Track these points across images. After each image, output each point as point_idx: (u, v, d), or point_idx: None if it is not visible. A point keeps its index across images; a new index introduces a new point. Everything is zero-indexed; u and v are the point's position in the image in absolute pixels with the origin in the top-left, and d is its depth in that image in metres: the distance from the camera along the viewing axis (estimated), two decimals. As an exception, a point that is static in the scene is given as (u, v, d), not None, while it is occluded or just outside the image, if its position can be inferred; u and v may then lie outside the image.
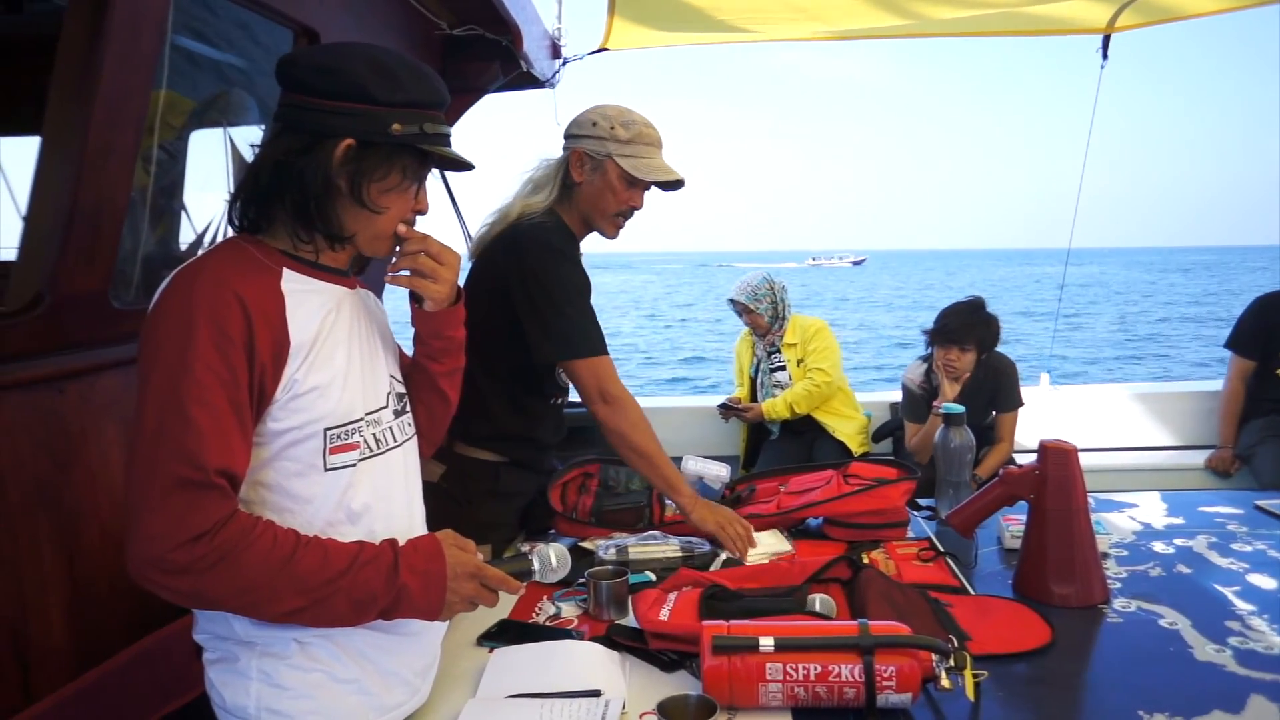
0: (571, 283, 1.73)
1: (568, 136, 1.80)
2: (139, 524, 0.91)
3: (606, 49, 3.17)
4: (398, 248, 1.16)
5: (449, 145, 1.11)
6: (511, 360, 1.76)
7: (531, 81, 2.89)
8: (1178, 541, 1.77)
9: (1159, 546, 1.74)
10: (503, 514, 1.89)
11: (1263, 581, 1.54)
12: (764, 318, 3.42)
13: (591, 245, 1.92)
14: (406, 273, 1.16)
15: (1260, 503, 1.99)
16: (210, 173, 2.09)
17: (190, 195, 2.01)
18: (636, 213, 1.83)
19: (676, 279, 59.92)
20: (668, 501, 1.94)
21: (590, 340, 1.72)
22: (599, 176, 1.76)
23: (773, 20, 3.00)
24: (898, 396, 3.26)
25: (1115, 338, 18.40)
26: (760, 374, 3.53)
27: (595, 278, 1.84)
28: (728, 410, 3.57)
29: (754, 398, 3.56)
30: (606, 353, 1.76)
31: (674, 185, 1.81)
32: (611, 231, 1.84)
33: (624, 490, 1.93)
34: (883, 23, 3.04)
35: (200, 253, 1.07)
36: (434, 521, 1.29)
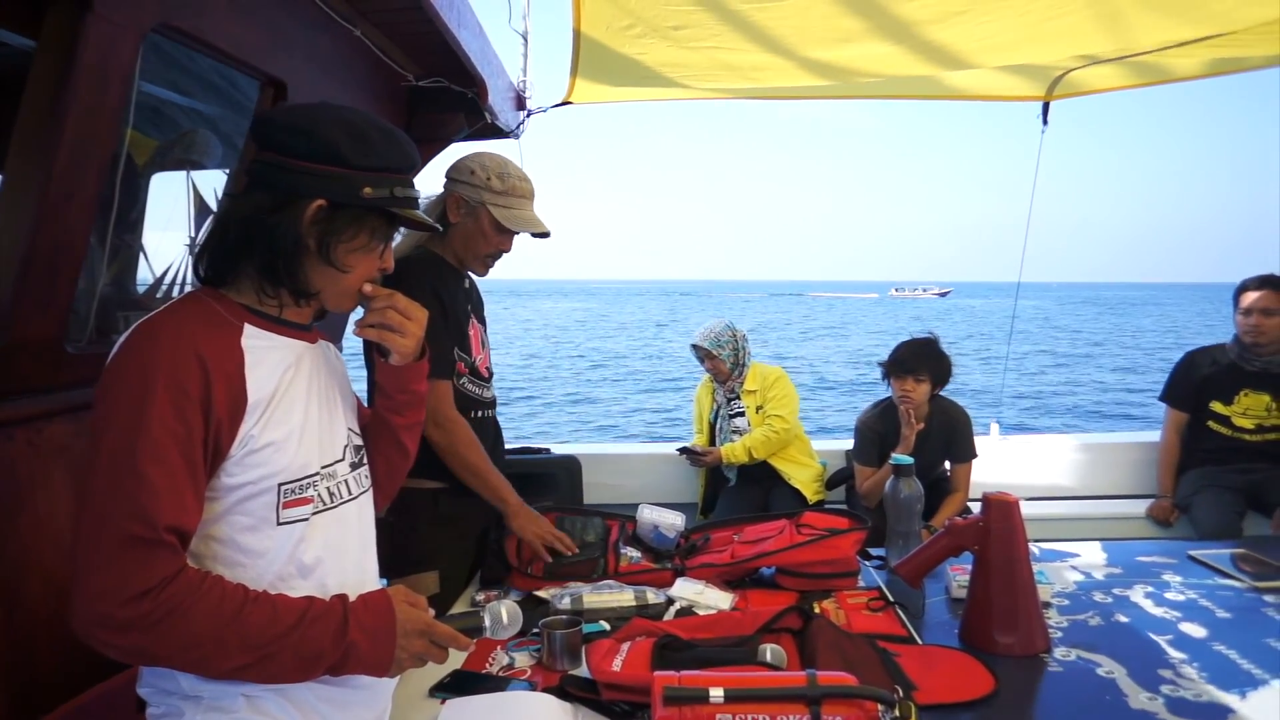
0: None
1: (448, 178, 1.91)
2: (85, 580, 0.91)
3: (570, 102, 3.25)
4: (363, 295, 1.18)
5: (417, 208, 1.15)
6: None
7: (497, 132, 2.95)
8: (1116, 591, 1.83)
9: (1099, 596, 1.80)
10: (445, 540, 1.93)
11: (1194, 630, 1.60)
12: (725, 364, 3.47)
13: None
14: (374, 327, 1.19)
15: (1193, 552, 2.07)
16: (171, 215, 2.09)
17: (150, 237, 2.00)
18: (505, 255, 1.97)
19: (747, 308, 59.81)
20: (623, 550, 1.95)
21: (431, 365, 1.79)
22: (472, 220, 1.89)
23: (719, 79, 3.12)
24: (851, 444, 3.32)
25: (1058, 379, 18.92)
26: (720, 420, 3.57)
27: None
28: (688, 454, 3.59)
29: (713, 444, 3.60)
30: (446, 378, 1.85)
31: (542, 235, 1.93)
32: (481, 270, 1.98)
33: (580, 543, 1.94)
34: (817, 84, 3.17)
35: (160, 301, 1.08)
36: (380, 552, 1.30)
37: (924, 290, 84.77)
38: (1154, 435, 3.71)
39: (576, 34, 2.69)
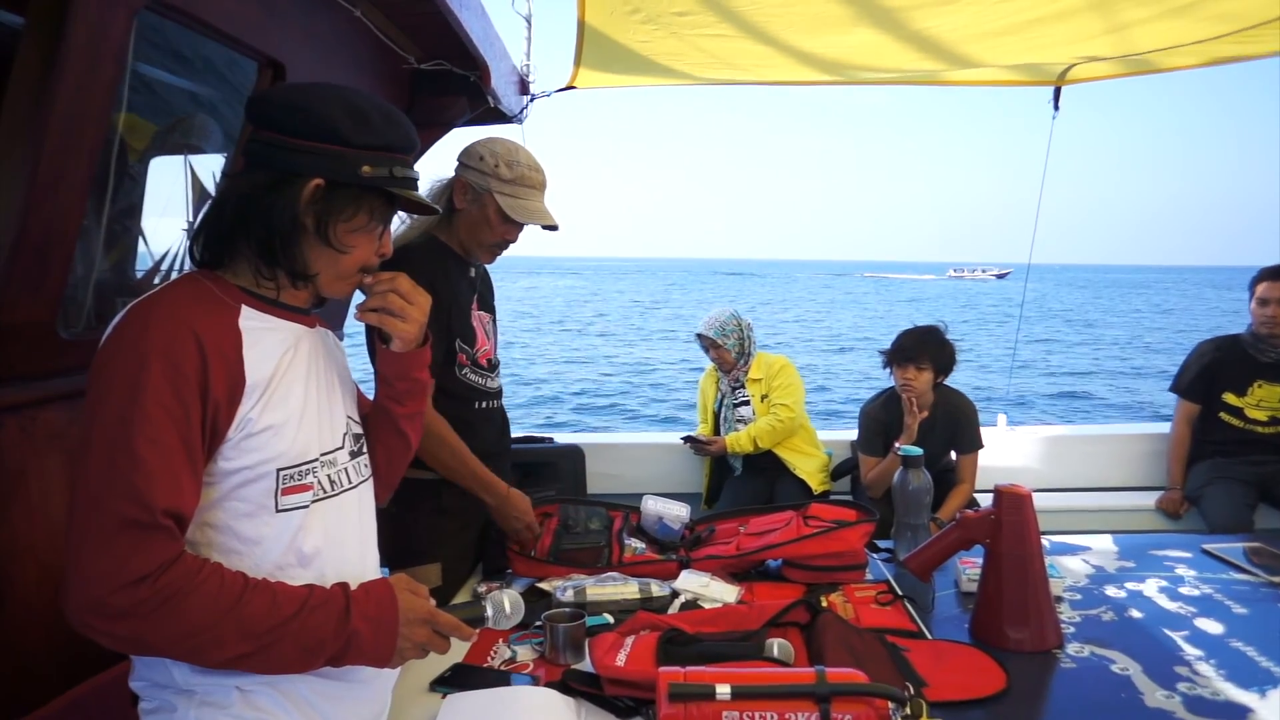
0: None
1: (458, 162, 1.86)
2: (79, 565, 0.88)
3: (574, 87, 3.20)
4: (363, 286, 1.16)
5: (416, 189, 1.12)
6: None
7: (499, 117, 2.90)
8: (1129, 585, 1.79)
9: (1111, 590, 1.77)
10: (448, 531, 1.90)
11: (1210, 626, 1.57)
12: (730, 353, 3.45)
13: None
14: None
15: (1207, 546, 2.03)
16: (170, 199, 2.05)
17: (148, 221, 1.97)
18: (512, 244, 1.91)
19: (807, 289, 59.47)
20: (627, 541, 1.93)
21: None
22: (478, 208, 1.83)
23: (719, 72, 3.08)
24: (856, 435, 3.29)
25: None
26: (724, 409, 3.55)
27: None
28: (692, 443, 3.57)
29: (717, 434, 3.57)
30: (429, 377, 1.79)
31: (550, 228, 1.88)
32: (487, 258, 1.93)
33: (583, 530, 1.92)
34: (813, 77, 3.12)
35: (157, 285, 1.05)
36: (382, 544, 1.28)
37: (982, 271, 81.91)
38: (1163, 427, 3.68)
39: (581, 24, 2.65)
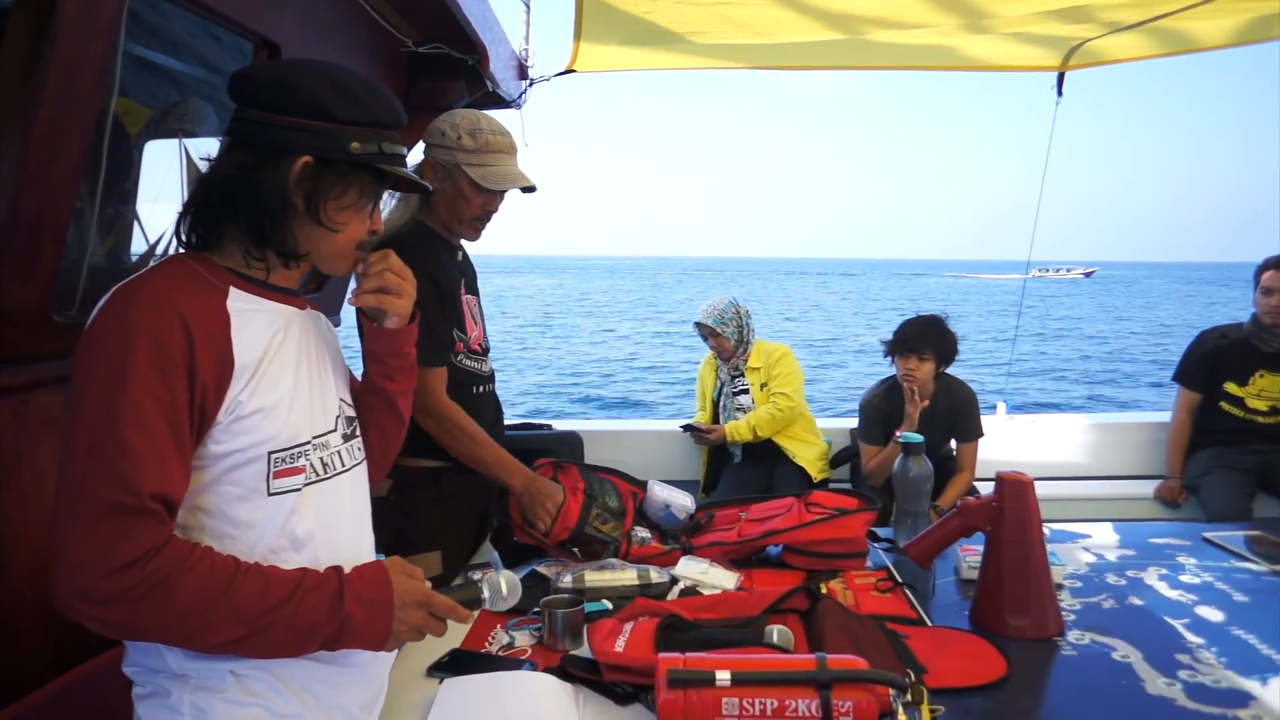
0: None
1: (424, 143, 1.83)
2: (66, 551, 0.87)
3: (574, 70, 3.17)
4: (360, 268, 1.15)
5: (405, 166, 1.11)
6: None
7: (498, 101, 2.88)
8: (1129, 573, 1.79)
9: (1112, 578, 1.76)
10: (448, 519, 1.89)
11: (1210, 614, 1.56)
12: (729, 341, 3.43)
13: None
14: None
15: (1207, 534, 2.03)
16: (165, 183, 2.03)
17: (144, 205, 1.95)
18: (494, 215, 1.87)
19: (873, 285, 59.08)
20: (634, 532, 1.91)
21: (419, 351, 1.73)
22: (450, 185, 1.80)
23: (726, 35, 3.01)
24: (856, 423, 3.28)
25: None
26: (723, 397, 3.54)
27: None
28: (691, 431, 3.56)
29: (716, 421, 3.56)
30: (439, 365, 1.77)
31: (528, 189, 1.84)
32: (472, 235, 1.89)
33: (603, 507, 1.90)
34: (825, 36, 3.07)
35: (145, 268, 1.03)
36: (381, 533, 1.27)
37: (1068, 270, 78.32)
38: (1163, 415, 3.67)
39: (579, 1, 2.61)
